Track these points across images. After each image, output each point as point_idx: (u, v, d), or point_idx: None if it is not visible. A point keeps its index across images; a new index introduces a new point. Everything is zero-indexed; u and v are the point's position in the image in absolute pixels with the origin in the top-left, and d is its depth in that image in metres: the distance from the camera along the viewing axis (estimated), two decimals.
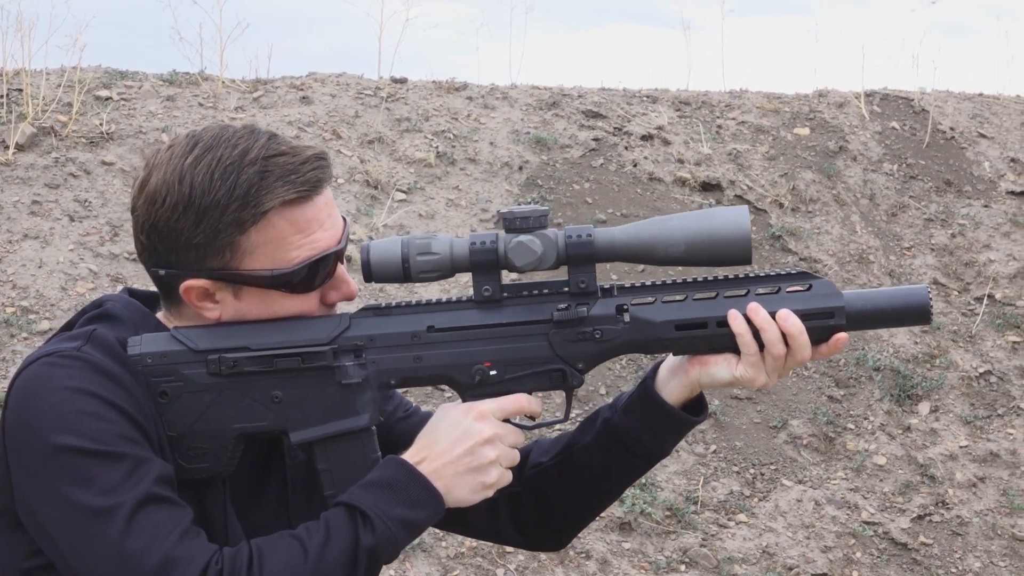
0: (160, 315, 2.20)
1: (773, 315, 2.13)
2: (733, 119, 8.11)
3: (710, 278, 2.18)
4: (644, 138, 7.69)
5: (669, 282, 2.19)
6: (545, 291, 2.17)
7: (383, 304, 2.17)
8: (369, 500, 2.03)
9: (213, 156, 2.06)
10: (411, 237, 2.12)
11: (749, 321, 2.14)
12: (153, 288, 2.22)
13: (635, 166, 7.51)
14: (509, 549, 5.68)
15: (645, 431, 2.24)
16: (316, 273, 2.11)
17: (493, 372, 2.15)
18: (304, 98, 7.35)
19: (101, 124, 6.80)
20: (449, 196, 7.10)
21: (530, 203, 7.11)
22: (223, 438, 2.11)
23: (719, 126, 8.02)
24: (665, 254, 2.12)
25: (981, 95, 8.91)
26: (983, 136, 8.36)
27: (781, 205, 7.56)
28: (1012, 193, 7.97)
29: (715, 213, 2.12)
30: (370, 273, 2.13)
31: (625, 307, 2.16)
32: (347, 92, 7.47)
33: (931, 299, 2.16)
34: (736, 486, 6.27)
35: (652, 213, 7.21)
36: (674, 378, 2.22)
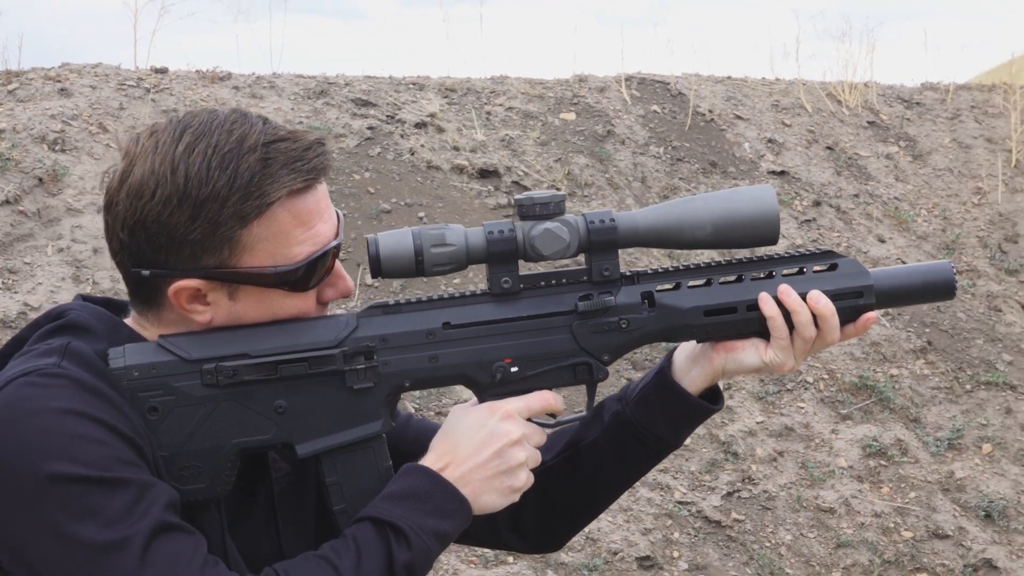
0: (130, 322, 1.98)
1: (803, 297, 2.06)
2: (500, 105, 8.02)
3: (732, 260, 2.10)
4: (418, 126, 7.52)
5: (690, 266, 2.09)
6: (564, 281, 2.05)
7: (392, 301, 2.00)
8: (399, 513, 1.88)
9: (208, 143, 1.86)
10: (422, 228, 1.98)
11: (780, 304, 2.06)
12: (105, 294, 1.98)
13: (412, 154, 7.33)
14: None
15: (663, 423, 2.14)
16: (316, 269, 1.94)
17: (514, 369, 2.02)
18: (63, 90, 6.87)
19: None
20: None
21: None
22: (221, 455, 1.92)
23: (488, 112, 7.92)
24: (691, 237, 2.03)
25: (730, 78, 9.10)
26: (739, 118, 8.53)
27: (558, 190, 7.50)
28: (773, 173, 8.16)
29: (740, 192, 2.05)
30: (379, 268, 1.97)
31: (651, 294, 2.06)
32: (107, 83, 7.02)
33: (955, 273, 2.14)
34: None
35: (435, 202, 7.07)
36: (695, 366, 2.13)
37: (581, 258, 2.07)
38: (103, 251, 5.90)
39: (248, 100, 7.30)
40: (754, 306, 2.07)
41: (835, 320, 2.07)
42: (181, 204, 1.84)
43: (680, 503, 6.23)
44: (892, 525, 6.40)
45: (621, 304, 2.05)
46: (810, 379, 7.03)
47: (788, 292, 2.06)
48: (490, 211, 7.13)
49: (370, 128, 7.36)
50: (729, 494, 6.35)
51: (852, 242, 7.83)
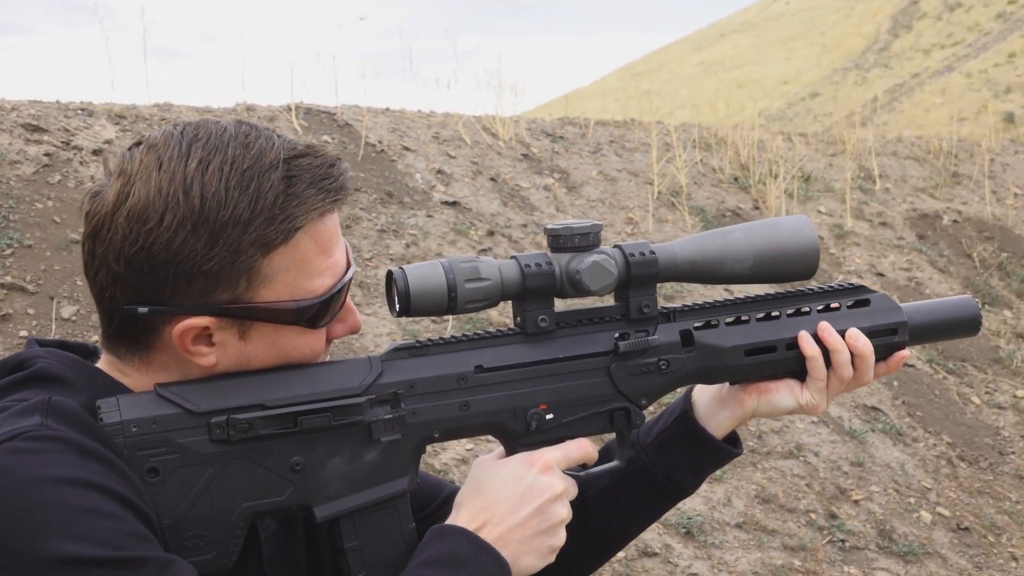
0: (103, 367, 1.73)
1: (841, 335, 1.97)
2: None
3: (760, 296, 2.00)
4: (95, 153, 7.13)
5: (724, 302, 1.98)
6: (598, 319, 1.90)
7: (418, 342, 1.81)
8: None
9: (223, 159, 1.64)
10: (453, 260, 1.79)
11: (818, 342, 1.97)
12: (58, 337, 1.75)
13: (94, 182, 6.91)
14: None
15: (685, 469, 2.02)
16: (333, 303, 1.74)
17: (550, 416, 1.86)
18: None
19: None
20: None
21: None
22: (230, 521, 1.68)
23: None
24: (731, 271, 1.92)
25: (389, 110, 9.11)
26: (407, 149, 8.55)
27: None
28: (446, 203, 8.22)
29: (780, 224, 1.94)
30: (408, 305, 1.77)
31: (689, 333, 1.94)
32: None
33: (980, 308, 2.10)
34: None
35: None
36: (724, 409, 2.02)
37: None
38: None
39: None
40: (793, 345, 1.96)
41: (872, 359, 1.97)
42: (197, 229, 1.62)
43: None
44: None
45: (662, 344, 1.91)
46: None
47: (829, 330, 1.96)
48: None
49: (47, 155, 6.92)
50: None
51: None
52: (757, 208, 9.76)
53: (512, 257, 1.83)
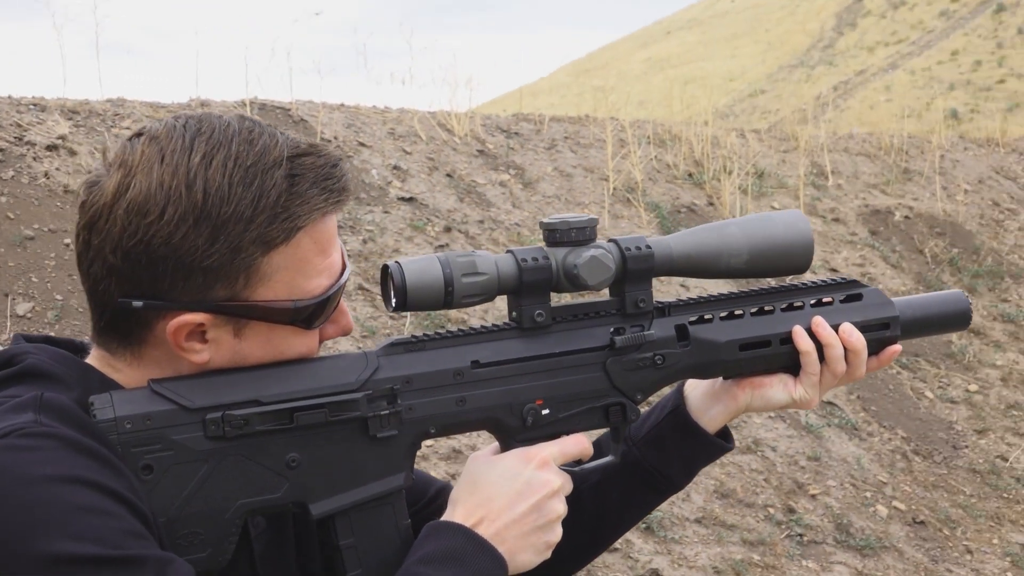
0: (93, 363, 1.70)
1: (835, 329, 1.97)
2: (128, 128, 7.65)
3: (754, 290, 1.99)
4: (49, 148, 7.06)
5: (718, 296, 1.97)
6: (594, 313, 1.89)
7: (413, 337, 1.79)
8: None
9: (227, 154, 1.61)
10: (449, 255, 1.78)
11: (812, 337, 1.96)
12: (46, 333, 1.73)
13: (48, 177, 6.87)
14: None
15: (677, 464, 2.01)
16: (329, 304, 1.72)
17: (546, 411, 1.84)
18: None
19: None
20: None
21: None
22: (224, 519, 1.66)
23: (117, 136, 7.53)
24: (726, 265, 1.91)
25: (344, 105, 9.07)
26: (363, 145, 8.52)
27: None
28: (403, 199, 8.19)
29: (774, 218, 1.94)
30: (404, 299, 1.75)
31: (684, 327, 1.93)
32: None
33: (970, 302, 2.10)
34: None
35: None
36: (717, 404, 2.01)
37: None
38: None
39: None
40: (787, 339, 1.96)
41: (865, 354, 1.98)
42: (198, 224, 1.59)
43: None
44: None
45: (657, 339, 1.90)
46: None
47: (822, 325, 1.96)
48: None
49: (0, 151, 6.85)
50: None
51: None
52: (712, 204, 9.79)
53: (508, 251, 1.81)
